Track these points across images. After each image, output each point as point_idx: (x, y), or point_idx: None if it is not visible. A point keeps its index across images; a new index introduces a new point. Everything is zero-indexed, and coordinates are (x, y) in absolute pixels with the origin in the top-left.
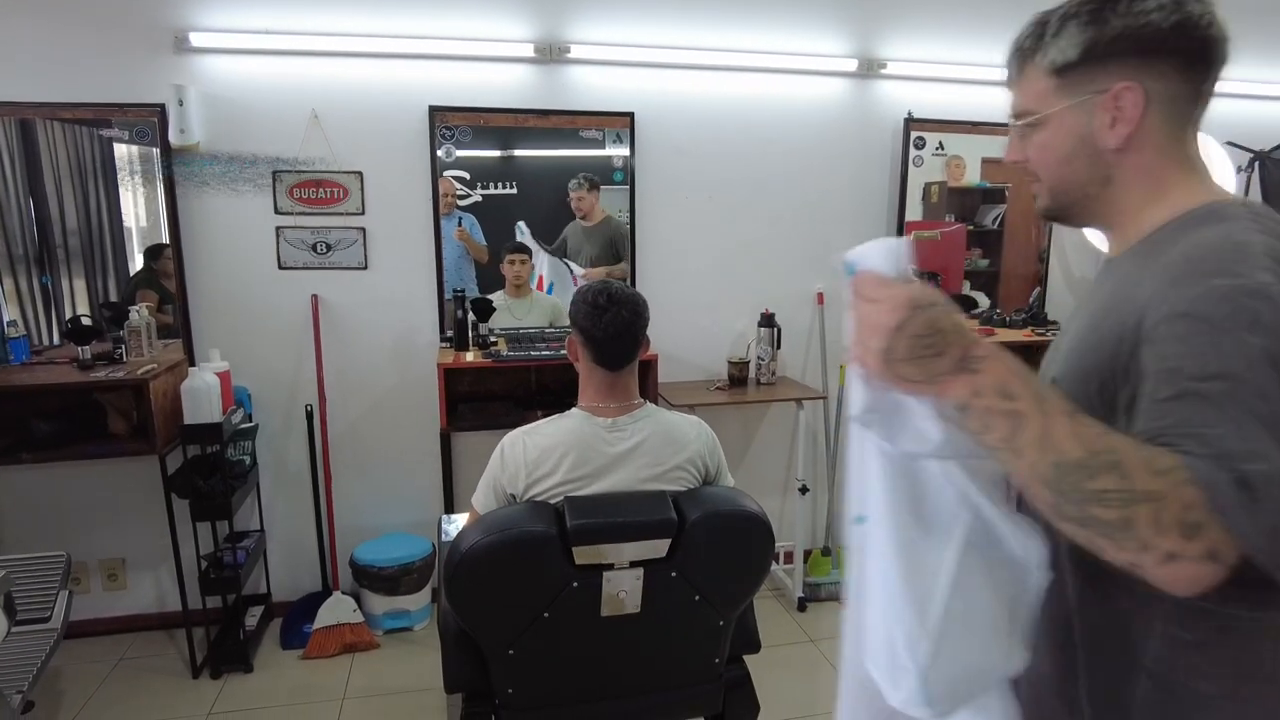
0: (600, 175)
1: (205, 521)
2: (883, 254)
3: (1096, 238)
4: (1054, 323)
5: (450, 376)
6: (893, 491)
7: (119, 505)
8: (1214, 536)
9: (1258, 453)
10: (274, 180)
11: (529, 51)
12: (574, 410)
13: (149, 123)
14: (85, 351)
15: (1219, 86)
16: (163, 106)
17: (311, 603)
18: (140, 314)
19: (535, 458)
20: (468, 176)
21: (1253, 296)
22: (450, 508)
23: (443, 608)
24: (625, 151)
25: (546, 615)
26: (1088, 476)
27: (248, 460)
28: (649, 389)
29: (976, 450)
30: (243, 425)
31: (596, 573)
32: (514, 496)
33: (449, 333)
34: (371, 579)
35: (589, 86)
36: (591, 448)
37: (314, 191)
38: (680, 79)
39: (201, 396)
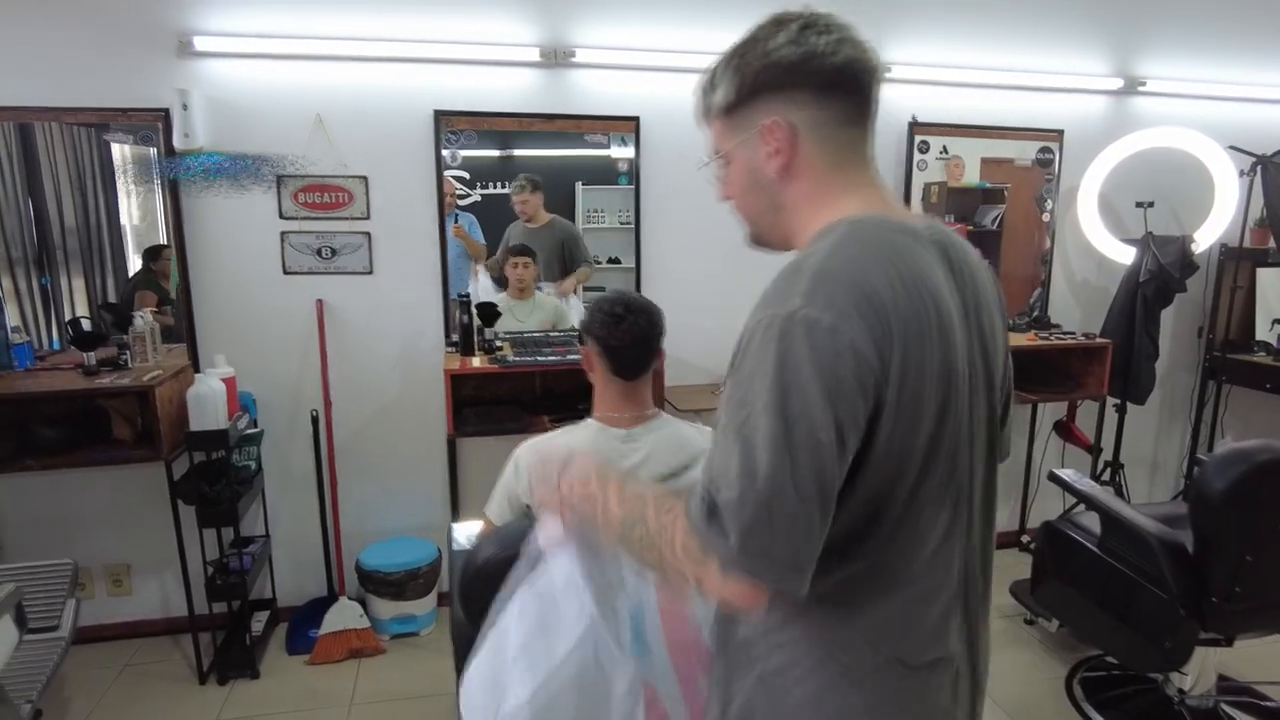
0: (604, 178)
1: (211, 528)
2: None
3: (1097, 238)
4: (1056, 325)
5: (456, 382)
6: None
7: (124, 511)
8: (708, 561)
9: (728, 481)
10: (278, 185)
11: (535, 55)
12: (589, 421)
13: (153, 127)
14: (90, 357)
15: (1221, 90)
16: (166, 111)
17: (317, 607)
18: (145, 319)
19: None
20: (467, 176)
21: (782, 325)
22: (456, 512)
23: (456, 617)
24: (630, 154)
25: None
26: (628, 530)
27: (253, 465)
28: (656, 394)
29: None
30: (248, 431)
31: None
32: (528, 506)
33: (454, 337)
34: (377, 584)
35: (594, 90)
36: (606, 458)
37: (318, 196)
38: (686, 82)
39: (207, 403)
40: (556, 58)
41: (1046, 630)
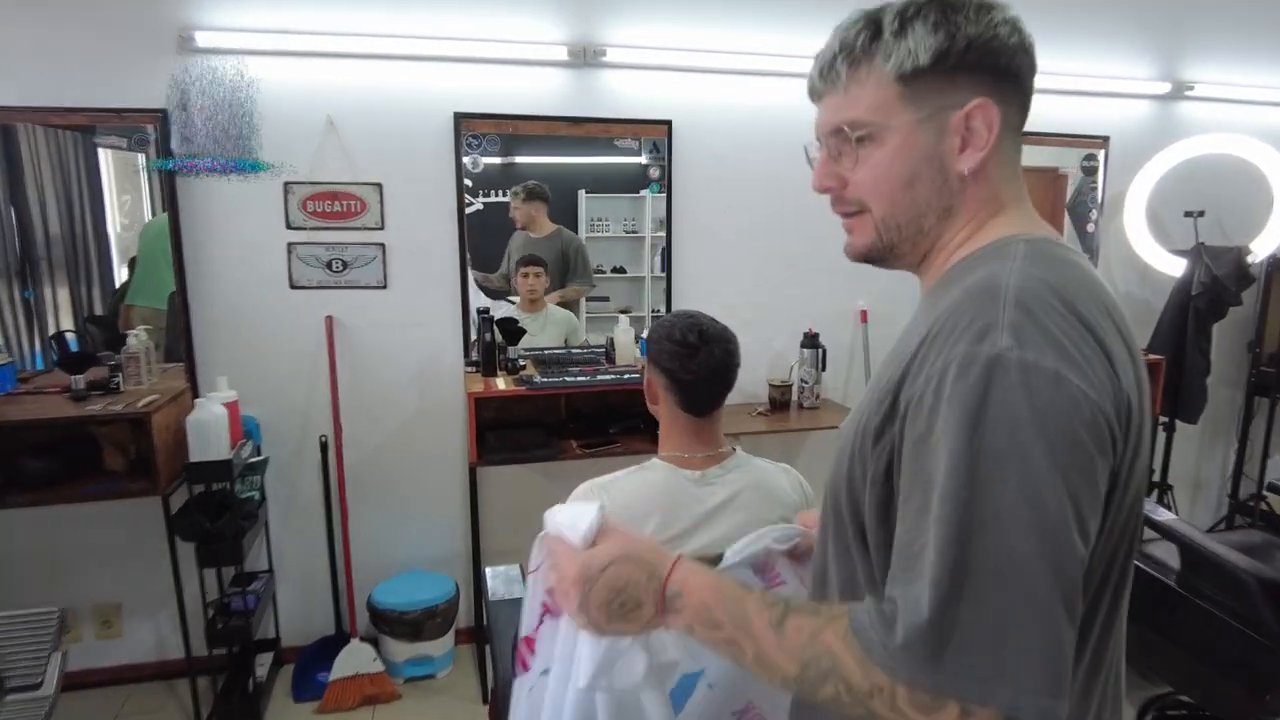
0: (635, 185)
1: (213, 568)
2: (571, 517)
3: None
4: None
5: (479, 405)
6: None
7: (114, 546)
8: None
9: (940, 594)
10: (285, 192)
11: (563, 54)
12: (655, 461)
13: (148, 129)
14: (78, 380)
15: (1271, 95)
16: (164, 112)
17: (325, 647)
18: (139, 338)
19: (617, 516)
20: (469, 184)
21: (984, 370)
22: (477, 545)
23: (503, 677)
24: (662, 161)
25: None
26: (812, 689)
27: (257, 496)
28: None
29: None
30: (252, 460)
31: None
32: None
33: (474, 356)
34: (393, 624)
35: (624, 92)
36: (680, 504)
37: (329, 204)
38: (718, 85)
39: (209, 431)
40: (586, 57)
41: None
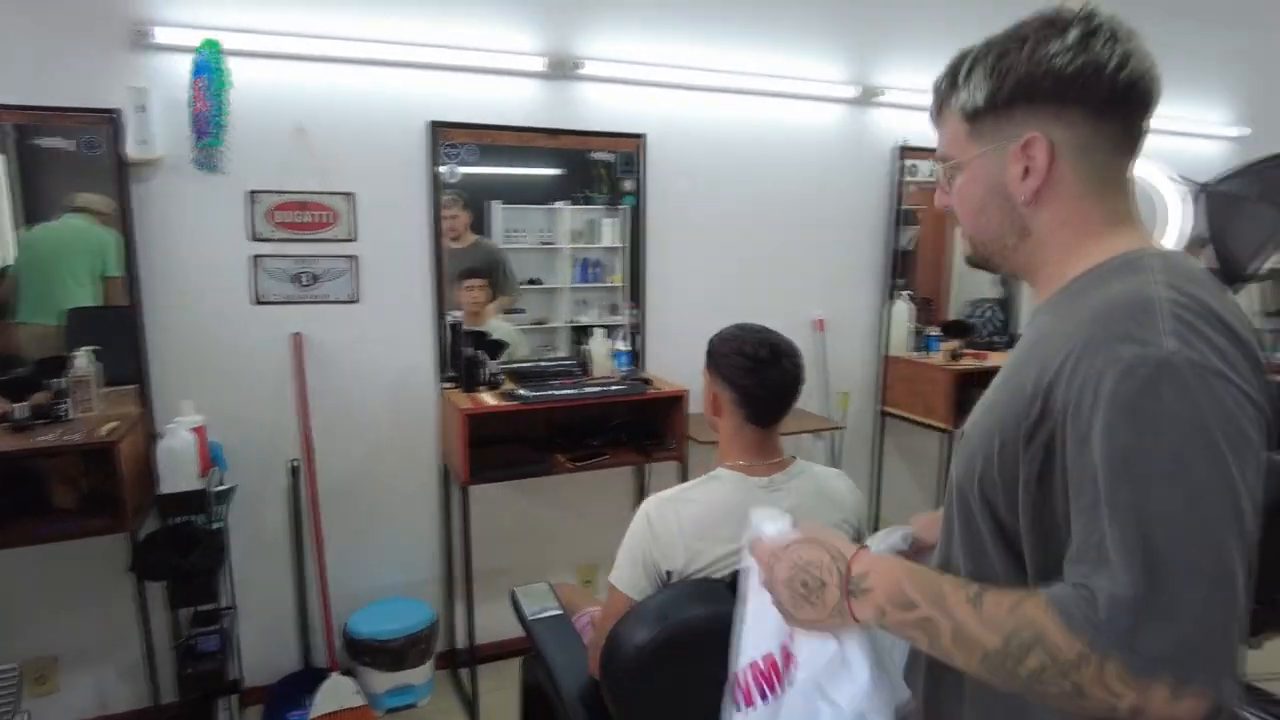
0: (609, 197)
1: (188, 607)
2: (766, 520)
3: None
4: None
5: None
6: None
7: (50, 592)
8: (1157, 683)
9: (1136, 578)
10: (250, 202)
11: (540, 65)
12: (720, 471)
13: (99, 130)
14: (23, 409)
15: (1168, 124)
16: (118, 112)
17: (293, 685)
18: (87, 359)
19: (695, 529)
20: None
21: (1155, 371)
22: (468, 566)
23: (568, 688)
24: (635, 174)
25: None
26: (1016, 662)
27: (222, 527)
28: (680, 428)
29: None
30: (220, 488)
31: None
32: (669, 573)
33: (451, 372)
34: (374, 653)
35: (599, 106)
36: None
37: (298, 215)
38: (690, 100)
39: (181, 459)
40: (564, 68)
41: None
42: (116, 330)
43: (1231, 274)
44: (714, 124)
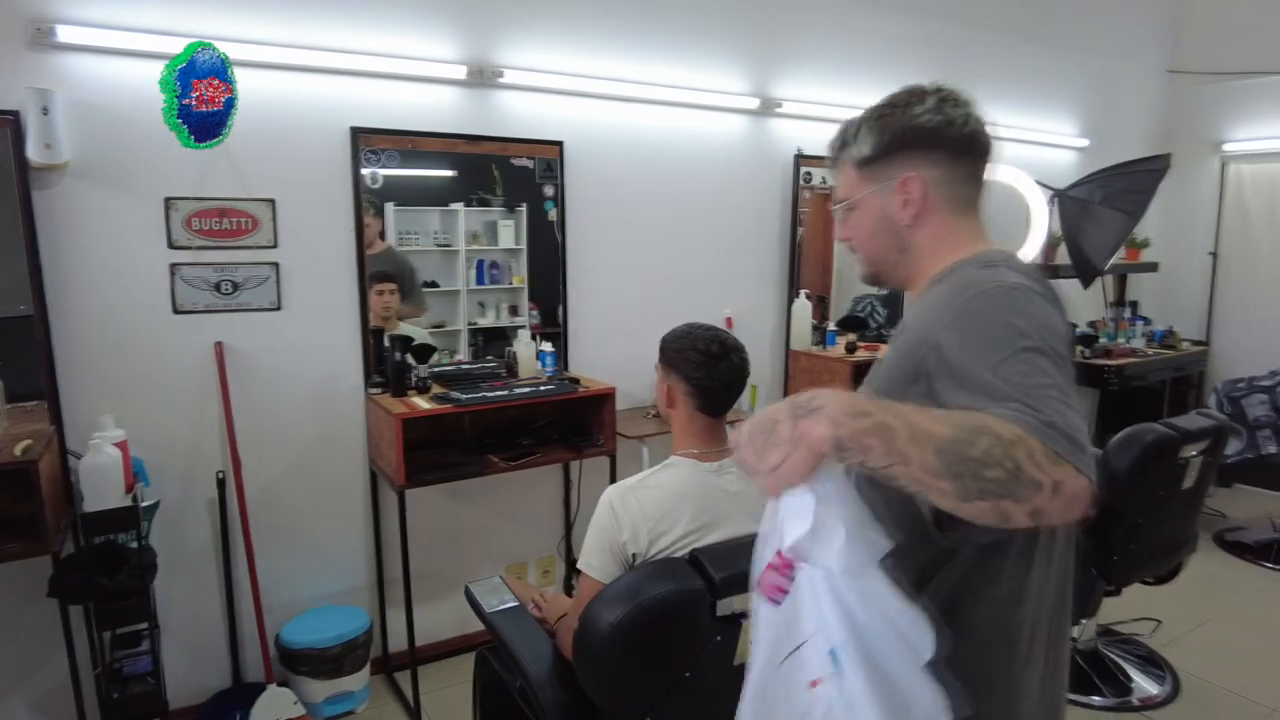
0: (533, 203)
1: (116, 628)
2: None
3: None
4: None
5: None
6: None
7: None
8: (1065, 462)
9: (1039, 396)
10: (166, 208)
11: (461, 73)
12: (675, 459)
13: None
14: None
15: (1027, 135)
16: (17, 114)
17: (224, 702)
18: None
19: (656, 512)
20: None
21: (1008, 290)
22: (407, 569)
23: (549, 697)
24: (555, 179)
25: (688, 675)
26: (967, 446)
27: (147, 544)
28: (608, 424)
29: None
30: (145, 504)
31: (734, 622)
32: (635, 555)
33: (376, 378)
34: (311, 662)
35: (519, 113)
36: (708, 495)
37: (217, 222)
38: (605, 110)
39: (106, 475)
40: (484, 77)
41: None
42: (18, 342)
43: (1085, 272)
44: (628, 132)
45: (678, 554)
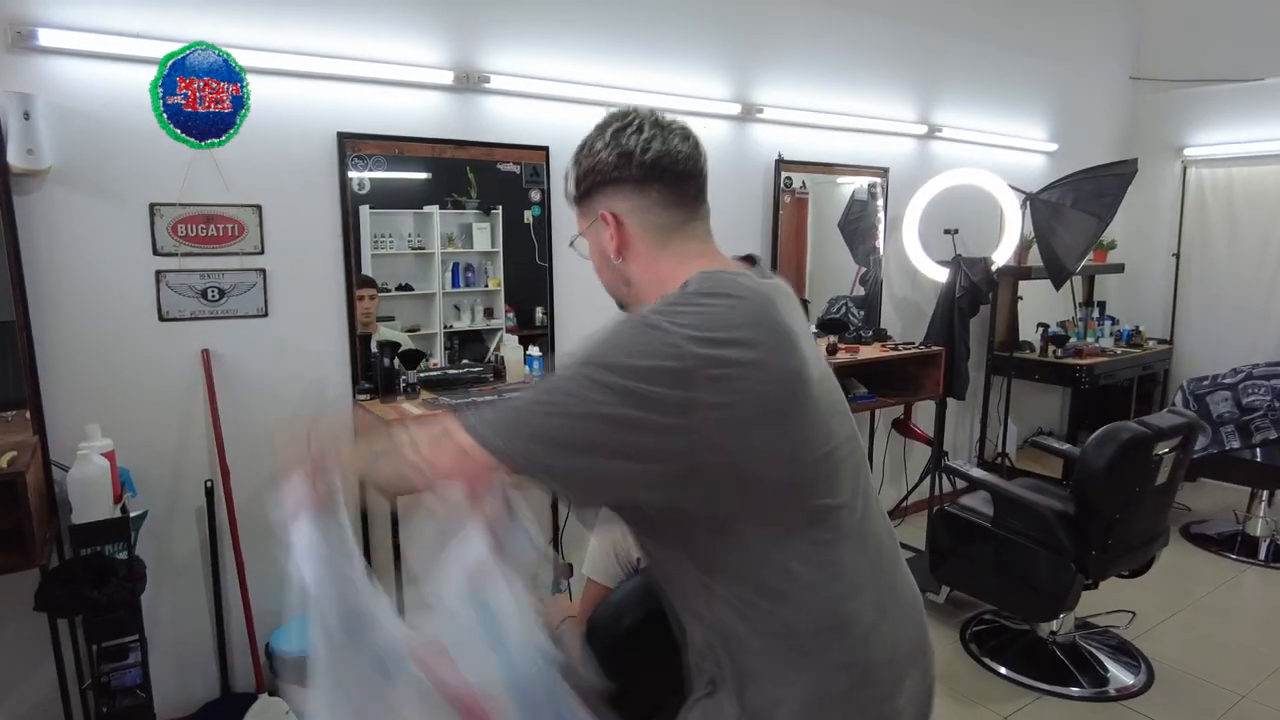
0: (510, 205)
1: (106, 641)
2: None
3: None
4: (890, 337)
5: None
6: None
7: None
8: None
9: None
10: (151, 215)
11: (448, 79)
12: None
13: None
14: None
15: (999, 139)
16: None
17: (212, 714)
18: None
19: None
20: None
21: (630, 320)
22: (400, 574)
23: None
24: (541, 184)
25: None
26: (374, 456)
27: (136, 555)
28: None
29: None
30: (135, 514)
31: None
32: (639, 560)
33: (364, 384)
34: (302, 669)
35: (505, 118)
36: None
37: (203, 228)
38: (592, 115)
39: (95, 487)
40: (470, 82)
41: (935, 602)
42: (0, 350)
43: (1057, 273)
44: None
45: None
